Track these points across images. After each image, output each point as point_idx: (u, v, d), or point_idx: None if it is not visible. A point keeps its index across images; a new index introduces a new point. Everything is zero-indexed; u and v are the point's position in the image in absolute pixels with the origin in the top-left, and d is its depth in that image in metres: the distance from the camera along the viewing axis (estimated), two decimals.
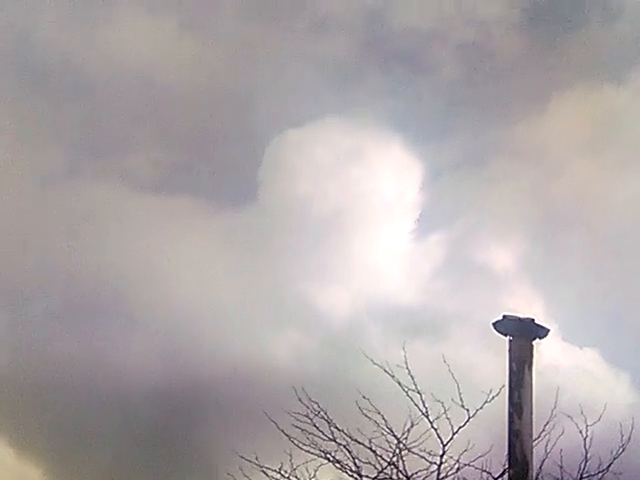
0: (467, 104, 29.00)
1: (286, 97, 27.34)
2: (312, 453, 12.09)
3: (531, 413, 10.70)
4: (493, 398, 11.62)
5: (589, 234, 26.61)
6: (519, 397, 10.46)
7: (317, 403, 12.26)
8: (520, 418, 10.42)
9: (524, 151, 28.42)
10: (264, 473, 12.19)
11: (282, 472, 12.12)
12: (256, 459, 12.11)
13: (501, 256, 25.64)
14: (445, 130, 28.46)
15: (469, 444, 11.92)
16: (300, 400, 12.28)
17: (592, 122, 28.49)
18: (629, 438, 12.08)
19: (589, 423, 11.96)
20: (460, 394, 11.83)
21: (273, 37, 28.41)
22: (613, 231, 26.34)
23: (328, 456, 12.09)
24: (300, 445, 12.07)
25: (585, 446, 11.94)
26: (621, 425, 12.19)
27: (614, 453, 12.01)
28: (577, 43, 29.14)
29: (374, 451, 12.02)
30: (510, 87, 28.80)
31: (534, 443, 11.04)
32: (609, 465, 12.00)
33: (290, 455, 12.11)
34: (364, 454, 12.10)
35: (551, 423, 11.72)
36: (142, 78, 27.50)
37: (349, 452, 12.09)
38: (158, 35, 27.89)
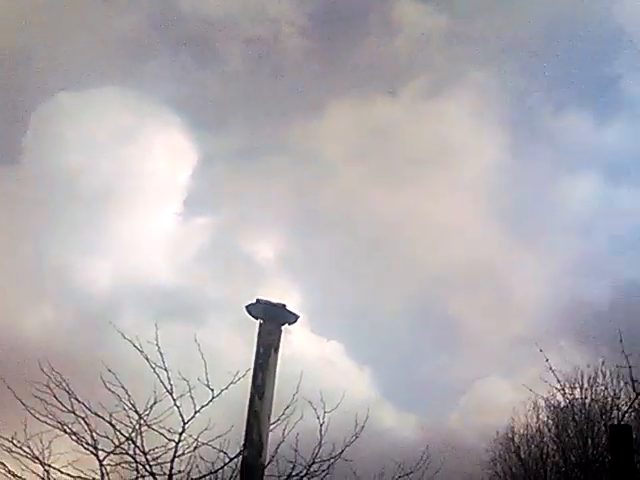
0: (249, 98, 29.39)
1: (63, 61, 26.49)
2: (48, 424, 11.80)
3: (272, 396, 10.72)
4: (239, 379, 11.79)
5: (349, 236, 27.66)
6: (262, 379, 10.43)
7: (59, 374, 11.96)
8: (261, 399, 10.43)
9: (298, 151, 29.16)
10: None
11: (14, 441, 11.72)
12: None
13: (263, 247, 26.14)
14: (224, 120, 28.68)
15: (210, 423, 12.10)
16: (42, 370, 11.94)
17: (364, 130, 29.67)
18: (362, 427, 12.73)
19: (327, 410, 12.39)
20: (207, 374, 11.95)
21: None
22: (371, 234, 27.54)
23: (65, 428, 11.85)
24: (36, 415, 11.73)
25: (321, 432, 12.39)
26: (357, 415, 12.81)
27: (347, 441, 12.60)
28: (357, 53, 30.28)
29: (113, 425, 11.91)
30: (291, 87, 29.45)
31: (272, 426, 11.17)
32: (341, 452, 12.56)
33: (25, 425, 11.78)
34: (103, 428, 11.96)
35: (291, 407, 12.12)
36: None
37: (87, 425, 11.90)
38: None
